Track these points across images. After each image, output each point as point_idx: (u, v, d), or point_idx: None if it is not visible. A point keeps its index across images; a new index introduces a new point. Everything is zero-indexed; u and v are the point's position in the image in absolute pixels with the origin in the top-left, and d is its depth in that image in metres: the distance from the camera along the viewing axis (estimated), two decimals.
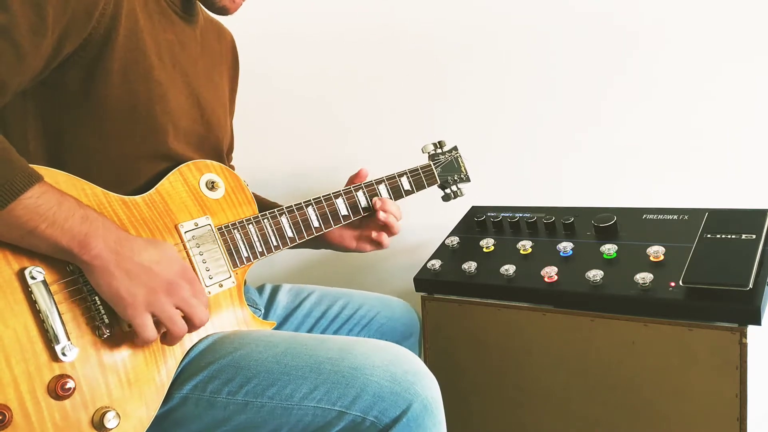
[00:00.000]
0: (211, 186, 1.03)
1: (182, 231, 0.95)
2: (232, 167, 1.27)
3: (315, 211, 1.13)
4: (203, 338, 0.95)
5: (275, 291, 1.24)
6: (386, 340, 1.03)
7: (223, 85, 1.17)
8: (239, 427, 0.88)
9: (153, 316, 0.83)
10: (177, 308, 0.85)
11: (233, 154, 1.30)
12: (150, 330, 0.82)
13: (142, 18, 0.93)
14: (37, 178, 0.77)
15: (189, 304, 0.86)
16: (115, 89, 0.90)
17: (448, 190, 1.39)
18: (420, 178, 1.30)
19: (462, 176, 1.40)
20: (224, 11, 1.06)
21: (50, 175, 0.84)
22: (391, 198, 1.23)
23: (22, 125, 0.89)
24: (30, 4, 0.78)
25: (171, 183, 0.98)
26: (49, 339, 0.79)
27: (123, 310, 0.81)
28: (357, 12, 1.76)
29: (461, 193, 1.41)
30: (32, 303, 0.79)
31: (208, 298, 0.91)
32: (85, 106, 0.90)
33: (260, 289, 1.25)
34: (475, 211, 1.46)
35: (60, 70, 0.86)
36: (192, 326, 0.87)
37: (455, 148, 1.41)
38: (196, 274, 0.95)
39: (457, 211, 1.47)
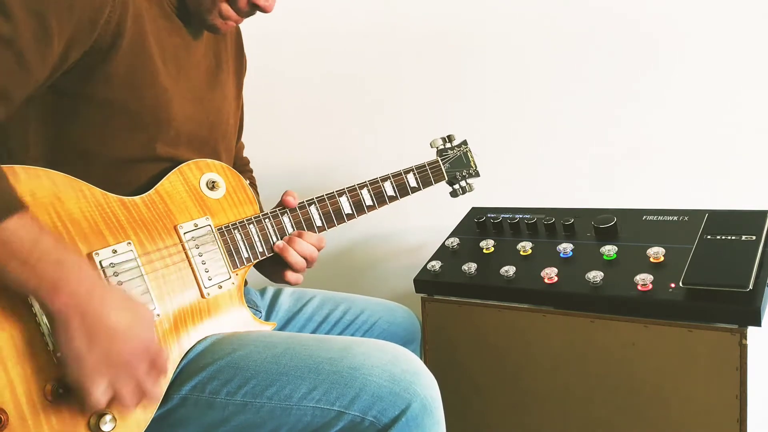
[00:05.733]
0: (212, 186, 1.02)
1: (181, 232, 0.95)
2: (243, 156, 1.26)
3: (318, 210, 1.12)
4: (202, 339, 0.95)
5: (277, 294, 1.23)
6: None
7: (228, 79, 1.14)
8: (238, 427, 0.88)
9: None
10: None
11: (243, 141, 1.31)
12: (95, 399, 0.76)
13: (148, 22, 0.92)
14: (17, 209, 0.72)
15: (142, 384, 0.80)
16: (118, 93, 0.89)
17: (456, 186, 1.35)
18: (427, 175, 1.26)
19: (471, 171, 1.36)
20: (215, 30, 1.01)
21: (48, 176, 0.84)
22: (396, 194, 1.20)
23: (24, 131, 0.89)
24: (33, 13, 0.78)
25: (171, 183, 0.98)
26: (45, 342, 0.79)
27: (73, 371, 0.75)
28: (360, 9, 1.76)
29: (470, 188, 1.37)
30: (29, 306, 0.79)
31: (167, 373, 0.86)
32: (87, 109, 0.89)
33: (262, 292, 1.24)
34: (475, 212, 1.46)
35: (63, 76, 0.86)
36: (142, 399, 0.82)
37: (465, 143, 1.37)
38: (195, 276, 0.95)
39: (457, 212, 1.47)
